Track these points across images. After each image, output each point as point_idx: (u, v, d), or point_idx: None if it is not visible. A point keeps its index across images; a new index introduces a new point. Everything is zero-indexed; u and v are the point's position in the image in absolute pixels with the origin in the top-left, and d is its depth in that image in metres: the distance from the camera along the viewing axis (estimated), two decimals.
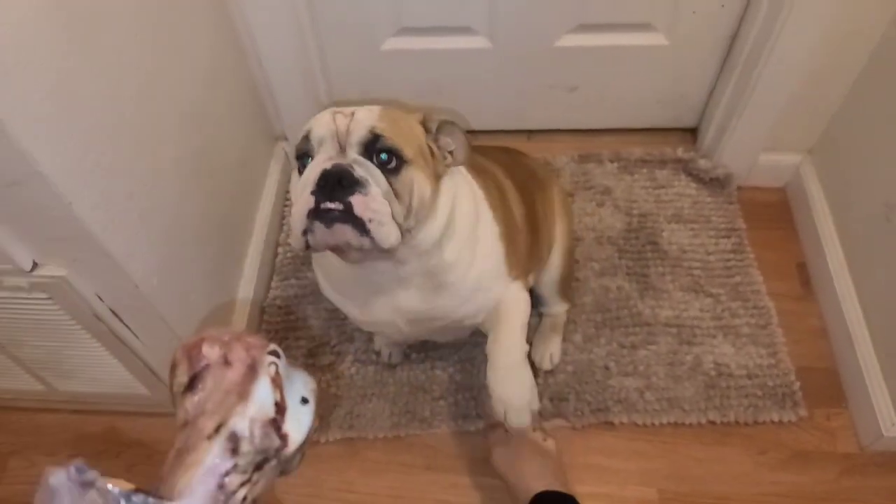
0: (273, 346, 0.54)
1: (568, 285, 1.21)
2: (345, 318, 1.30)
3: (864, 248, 1.21)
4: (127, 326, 0.93)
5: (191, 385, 0.49)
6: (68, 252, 0.78)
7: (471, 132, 1.58)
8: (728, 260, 1.36)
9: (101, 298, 0.86)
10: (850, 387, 1.20)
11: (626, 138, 1.57)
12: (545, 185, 1.16)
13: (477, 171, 0.92)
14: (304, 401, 0.53)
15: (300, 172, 0.71)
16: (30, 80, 0.65)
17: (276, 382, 0.51)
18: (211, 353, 0.50)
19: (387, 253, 0.71)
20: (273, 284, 1.36)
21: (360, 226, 0.66)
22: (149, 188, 0.89)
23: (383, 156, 0.69)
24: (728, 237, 1.39)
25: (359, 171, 0.66)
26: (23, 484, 1.16)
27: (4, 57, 0.61)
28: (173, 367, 0.52)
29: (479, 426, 1.19)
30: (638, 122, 1.57)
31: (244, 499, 0.45)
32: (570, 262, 1.20)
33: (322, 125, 0.70)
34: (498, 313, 0.91)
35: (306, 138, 0.70)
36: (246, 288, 1.28)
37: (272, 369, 0.52)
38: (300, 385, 0.54)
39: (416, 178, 0.71)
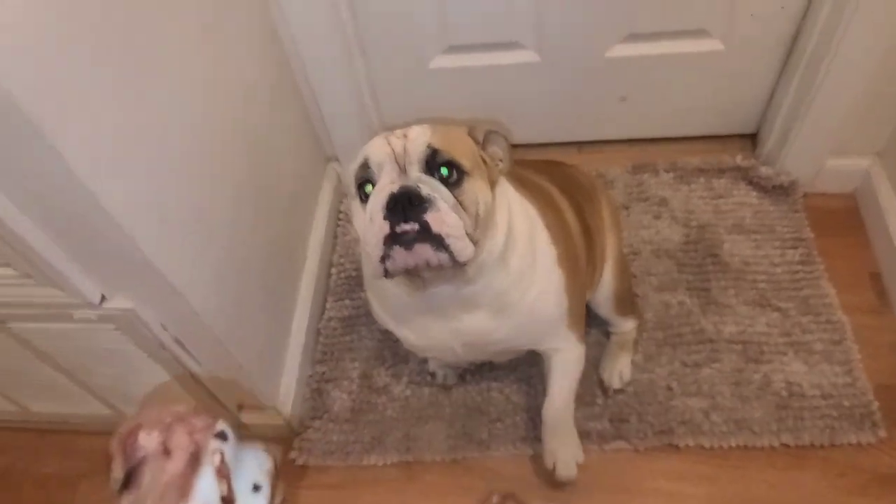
0: (220, 427, 0.49)
1: (627, 301, 1.18)
2: (398, 339, 1.30)
3: None
4: (190, 353, 0.95)
5: (127, 482, 0.45)
6: (134, 284, 0.80)
7: (521, 146, 1.59)
8: (796, 272, 1.30)
9: (165, 328, 0.88)
10: None
11: (682, 146, 1.52)
12: (592, 197, 1.13)
13: (527, 188, 0.91)
14: (257, 488, 0.49)
15: (362, 201, 0.72)
16: (92, 119, 0.66)
17: (222, 472, 0.47)
18: (149, 441, 0.46)
19: (461, 269, 0.72)
20: (328, 305, 1.37)
21: (438, 242, 0.67)
22: (208, 217, 0.91)
23: (444, 170, 0.70)
24: (795, 247, 1.33)
25: (425, 189, 0.67)
26: None
27: (68, 100, 0.62)
28: (108, 461, 0.47)
29: (538, 449, 1.16)
30: (694, 129, 1.51)
31: None
32: (626, 278, 1.17)
33: (378, 150, 0.71)
34: (554, 368, 0.98)
35: (365, 166, 0.71)
36: (302, 309, 1.29)
37: (217, 458, 0.47)
38: (253, 468, 0.50)
39: (477, 188, 0.72)
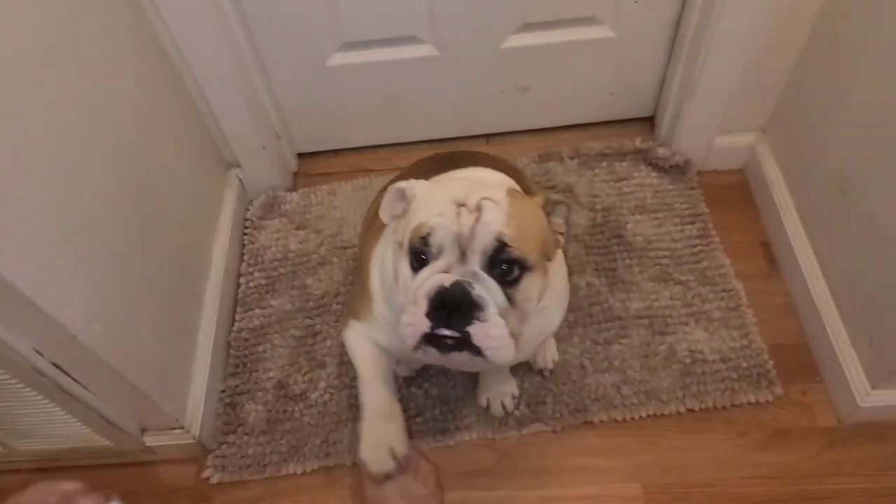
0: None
1: None
2: (314, 343, 1.28)
3: (823, 221, 1.21)
4: (74, 379, 0.89)
5: None
6: None
7: (432, 141, 1.58)
8: (694, 246, 1.36)
9: (39, 353, 0.82)
10: (823, 360, 1.20)
11: (586, 133, 1.57)
12: (523, 179, 1.12)
13: None
14: None
15: (412, 267, 0.67)
16: None
17: None
18: None
19: None
20: (237, 316, 1.32)
21: (476, 351, 0.64)
22: (83, 231, 0.85)
23: (505, 265, 0.65)
24: (692, 223, 1.39)
25: (478, 291, 0.62)
26: None
27: None
28: None
29: (458, 439, 1.17)
30: (594, 115, 1.56)
31: None
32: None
33: (443, 227, 0.64)
34: None
35: (425, 240, 0.65)
36: (208, 322, 1.24)
37: None
38: None
39: (534, 283, 0.68)
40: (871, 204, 1.04)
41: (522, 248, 0.64)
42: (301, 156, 1.58)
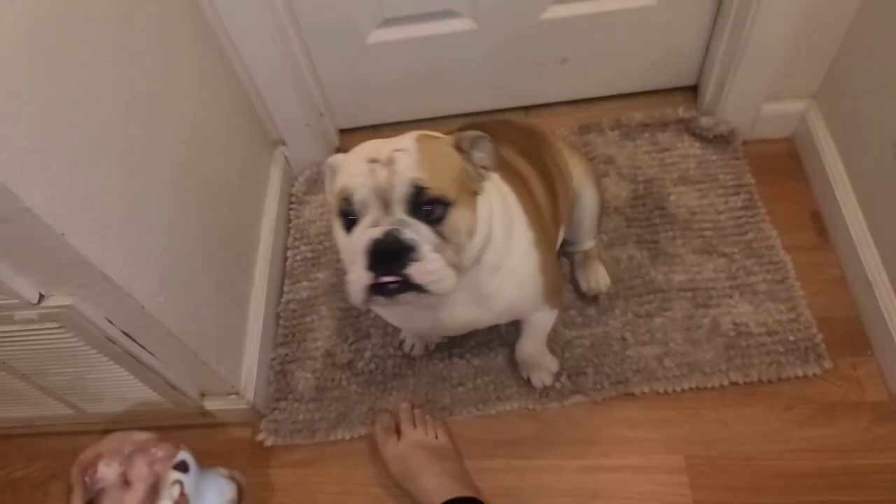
0: (181, 457, 0.49)
1: (601, 215, 1.23)
2: (359, 314, 1.32)
3: (876, 191, 1.17)
4: (142, 346, 0.95)
5: None
6: (71, 280, 0.80)
7: (471, 114, 1.59)
8: (739, 217, 1.34)
9: (111, 322, 0.88)
10: (874, 334, 1.17)
11: (627, 103, 1.54)
12: (545, 140, 1.14)
13: (504, 169, 0.91)
14: None
15: (345, 227, 0.72)
16: (8, 115, 0.65)
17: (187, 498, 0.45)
18: (108, 472, 0.46)
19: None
20: (285, 289, 1.38)
21: (419, 289, 0.69)
22: (145, 209, 0.90)
23: (427, 207, 0.69)
24: (737, 194, 1.37)
25: (408, 234, 0.67)
26: None
27: None
28: (68, 491, 0.46)
29: (499, 409, 1.19)
30: (636, 85, 1.53)
31: None
32: (601, 189, 1.21)
33: (362, 184, 0.68)
34: (528, 327, 1.05)
35: (348, 200, 0.70)
36: (258, 295, 1.29)
37: (175, 490, 0.47)
38: (213, 498, 0.50)
39: (460, 217, 0.72)
40: None
41: (439, 186, 0.68)
42: (343, 132, 1.61)
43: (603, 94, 1.55)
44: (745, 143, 1.44)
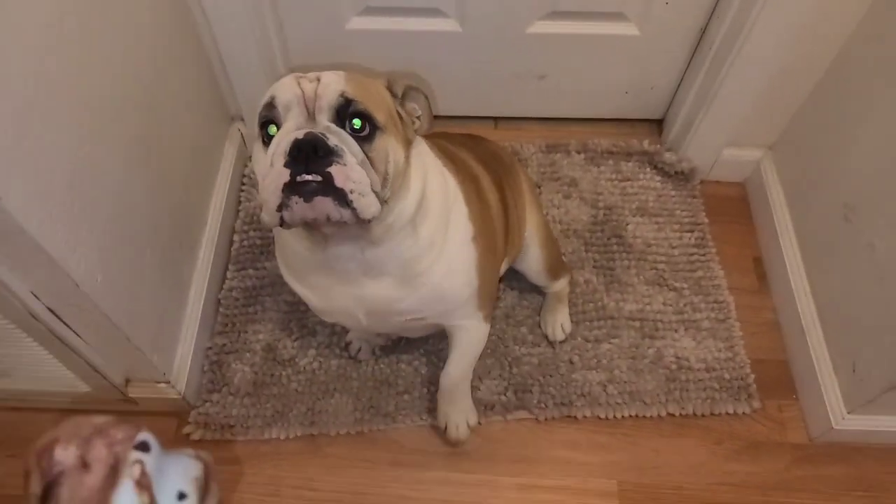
0: (142, 437, 0.47)
1: (557, 267, 1.21)
2: (307, 310, 1.26)
3: (820, 246, 1.24)
4: (68, 326, 0.86)
5: (44, 497, 0.43)
6: (1, 248, 0.71)
7: (439, 117, 1.55)
8: (691, 254, 1.38)
9: (37, 297, 0.79)
10: (802, 379, 1.24)
11: (594, 128, 1.56)
12: (511, 171, 1.13)
13: (449, 158, 0.89)
14: (182, 496, 0.47)
15: (265, 143, 0.66)
16: None
17: (143, 484, 0.45)
18: (65, 456, 0.45)
19: (365, 228, 0.69)
20: (229, 275, 1.30)
21: (340, 197, 0.62)
22: (92, 177, 0.82)
23: (356, 122, 0.64)
24: (691, 231, 1.41)
25: (333, 140, 0.62)
26: None
27: None
28: (26, 476, 0.45)
29: None
30: (606, 111, 1.56)
31: None
32: (553, 246, 1.19)
33: (287, 90, 0.64)
34: (456, 344, 0.98)
35: (270, 105, 0.65)
36: (200, 279, 1.21)
37: (136, 469, 0.45)
38: (178, 476, 0.48)
39: (389, 145, 0.67)
40: (874, 235, 1.07)
41: (367, 104, 0.65)
42: None
43: (574, 115, 1.56)
44: (701, 182, 1.49)
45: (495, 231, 0.96)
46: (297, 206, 0.62)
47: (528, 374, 1.22)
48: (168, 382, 1.08)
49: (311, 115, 0.63)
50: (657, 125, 1.57)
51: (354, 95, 0.64)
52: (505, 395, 1.20)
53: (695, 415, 1.21)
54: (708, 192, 1.48)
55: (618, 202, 1.44)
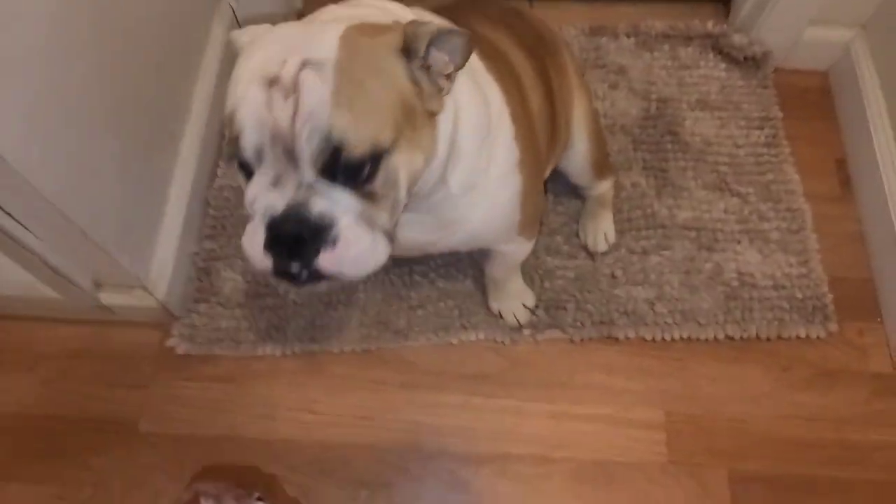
0: (257, 495, 0.60)
1: (603, 164, 1.02)
2: None
3: None
4: (7, 213, 0.71)
5: None
6: None
7: None
8: (760, 155, 1.16)
9: None
10: (888, 300, 1.05)
11: (649, 9, 1.32)
12: (556, 53, 0.92)
13: (491, 57, 0.68)
14: None
15: (240, 170, 0.51)
16: None
17: None
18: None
19: None
20: (219, 172, 1.13)
21: (336, 276, 0.51)
22: (45, 55, 0.67)
23: (350, 165, 0.48)
24: (761, 128, 1.19)
25: (318, 208, 0.48)
26: None
27: None
28: None
29: (462, 338, 1.02)
30: None
31: None
32: (600, 139, 1.00)
33: (253, 125, 0.47)
34: (497, 257, 0.88)
35: (235, 144, 0.49)
36: (184, 174, 1.05)
37: None
38: None
39: (401, 163, 0.51)
40: None
41: (367, 133, 0.48)
42: None
43: None
44: (775, 70, 1.25)
45: (539, 142, 0.77)
46: (287, 286, 0.53)
47: (562, 290, 1.05)
48: (144, 288, 0.94)
49: (290, 158, 0.47)
50: (723, 4, 1.32)
51: (345, 131, 0.46)
52: (535, 312, 1.03)
53: (758, 338, 1.03)
54: (782, 82, 1.24)
55: (674, 94, 1.21)
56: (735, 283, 1.05)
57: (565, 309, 1.03)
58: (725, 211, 1.11)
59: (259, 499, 0.58)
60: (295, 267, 0.50)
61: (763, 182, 1.14)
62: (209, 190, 1.11)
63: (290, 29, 0.52)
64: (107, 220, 0.84)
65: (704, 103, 1.21)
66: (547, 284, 1.05)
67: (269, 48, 0.49)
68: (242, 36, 0.54)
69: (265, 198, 0.49)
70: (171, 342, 1.00)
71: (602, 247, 1.06)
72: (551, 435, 0.98)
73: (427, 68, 0.52)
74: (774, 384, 1.01)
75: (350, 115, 0.47)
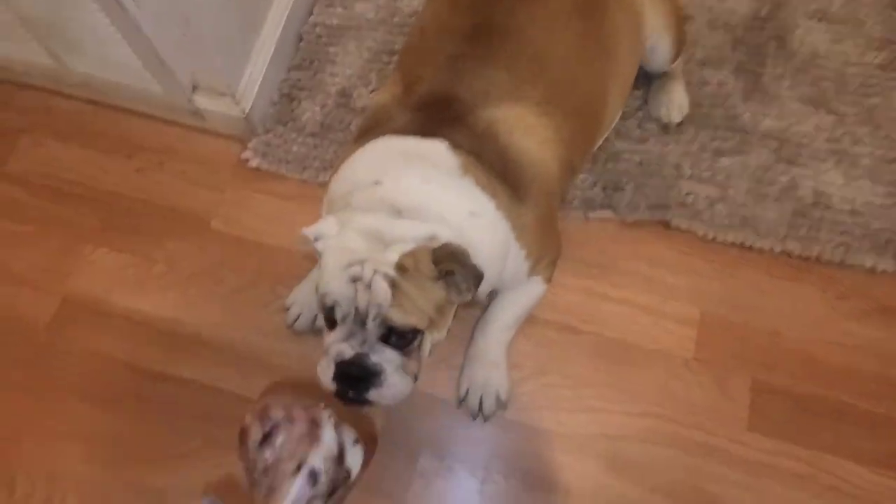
0: (323, 404, 0.65)
1: (680, 48, 1.00)
2: (388, 61, 1.13)
3: None
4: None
5: (265, 440, 0.59)
6: None
7: None
8: (871, 76, 1.08)
9: None
10: None
11: None
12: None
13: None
14: (356, 441, 0.64)
15: (325, 323, 0.75)
16: None
17: (336, 429, 0.63)
18: (277, 414, 0.62)
19: None
20: (315, 10, 1.18)
21: (377, 403, 0.74)
22: None
23: (397, 337, 0.72)
24: (880, 49, 1.09)
25: (374, 359, 0.72)
26: (32, 163, 1.12)
27: None
28: (245, 430, 0.62)
29: None
30: None
31: None
32: (680, 32, 0.98)
33: (343, 301, 0.71)
34: (502, 296, 0.93)
35: (331, 310, 0.72)
36: (282, 4, 1.10)
37: (332, 420, 0.64)
38: (348, 432, 0.66)
39: (431, 337, 0.75)
40: None
41: (409, 321, 0.71)
42: None
43: None
44: None
45: (556, 178, 0.83)
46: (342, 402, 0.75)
47: (624, 172, 1.04)
48: (233, 97, 1.02)
49: (362, 322, 0.71)
50: None
51: (399, 320, 0.70)
52: (592, 190, 1.03)
53: (819, 260, 0.99)
54: None
55: None
56: (808, 201, 1.01)
57: (623, 190, 1.02)
58: (816, 127, 1.05)
59: (326, 407, 0.65)
60: (352, 394, 0.73)
61: (867, 105, 1.06)
62: (304, 25, 1.17)
63: (359, 243, 0.71)
64: (209, 19, 0.90)
65: (824, 14, 1.12)
66: (610, 165, 1.04)
67: (348, 255, 0.70)
68: (323, 237, 0.73)
69: (338, 346, 0.72)
70: (246, 154, 1.09)
71: (676, 117, 1.04)
72: (583, 309, 1.00)
73: (453, 285, 0.72)
74: (827, 309, 0.98)
75: (401, 311, 0.70)
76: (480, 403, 0.92)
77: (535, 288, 0.92)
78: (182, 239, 1.05)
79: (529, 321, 0.98)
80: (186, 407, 0.96)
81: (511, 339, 0.95)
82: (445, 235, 0.71)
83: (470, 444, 0.94)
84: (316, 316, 0.97)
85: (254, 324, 1.00)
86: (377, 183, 0.73)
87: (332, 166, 1.06)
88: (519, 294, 0.92)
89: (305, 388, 0.84)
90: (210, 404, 0.96)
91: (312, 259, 0.95)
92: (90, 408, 0.97)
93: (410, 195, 0.72)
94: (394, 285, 0.69)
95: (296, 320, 0.98)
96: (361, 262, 0.69)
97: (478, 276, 0.71)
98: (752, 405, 0.94)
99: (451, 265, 0.70)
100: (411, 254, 0.69)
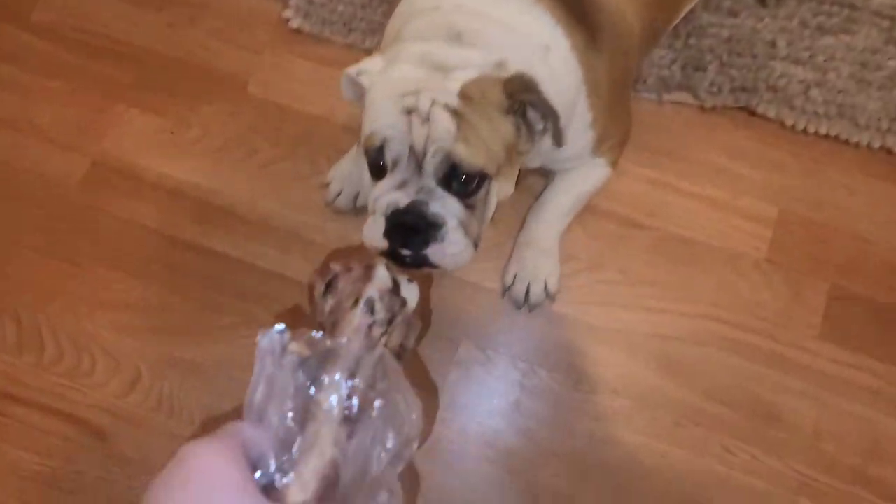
0: (386, 262, 0.60)
1: None
2: None
3: None
4: None
5: (328, 288, 0.58)
6: None
7: None
8: None
9: None
10: None
11: None
12: None
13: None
14: (409, 280, 0.60)
15: (371, 172, 0.66)
16: None
17: (389, 268, 0.58)
18: (336, 266, 0.60)
19: None
20: None
21: (434, 265, 0.66)
22: None
23: (462, 179, 0.63)
24: None
25: (434, 209, 0.63)
26: (60, 14, 1.04)
27: None
28: (312, 287, 0.60)
29: None
30: None
31: (385, 344, 0.55)
32: None
33: (396, 138, 0.61)
34: (560, 176, 0.85)
35: (379, 151, 0.63)
36: None
37: (385, 263, 0.59)
38: (401, 274, 0.60)
39: (498, 190, 0.67)
40: None
41: (477, 161, 0.62)
42: None
43: None
44: None
45: (631, 51, 0.75)
46: (393, 265, 0.63)
47: (708, 49, 0.92)
48: None
49: (418, 166, 0.62)
50: None
51: (464, 156, 0.61)
52: (669, 69, 0.92)
53: None
54: None
55: None
56: None
57: (705, 71, 0.91)
58: None
59: (388, 267, 0.62)
60: (407, 252, 0.64)
61: None
62: None
63: (413, 72, 0.61)
64: None
65: None
66: (692, 41, 0.92)
67: (400, 86, 0.61)
68: (368, 72, 0.64)
69: (389, 195, 0.63)
70: (287, 13, 0.99)
71: None
72: (647, 201, 0.91)
73: (524, 118, 0.64)
74: None
75: (466, 145, 0.60)
76: (527, 292, 0.86)
77: (599, 171, 0.84)
78: (217, 103, 0.98)
79: (588, 209, 0.90)
80: (220, 281, 0.92)
81: (566, 227, 0.88)
82: (517, 64, 0.61)
83: (513, 335, 0.89)
84: (358, 194, 0.90)
85: (290, 198, 0.94)
86: (436, 8, 0.63)
87: (381, 29, 0.97)
88: (579, 177, 0.84)
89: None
90: (245, 280, 0.92)
91: (355, 131, 0.87)
92: (123, 276, 0.94)
93: (474, 19, 0.62)
94: (457, 116, 0.59)
95: (336, 197, 0.91)
96: (417, 93, 0.60)
97: (555, 114, 0.61)
98: (826, 312, 0.86)
99: (528, 95, 0.60)
100: (476, 81, 0.60)
